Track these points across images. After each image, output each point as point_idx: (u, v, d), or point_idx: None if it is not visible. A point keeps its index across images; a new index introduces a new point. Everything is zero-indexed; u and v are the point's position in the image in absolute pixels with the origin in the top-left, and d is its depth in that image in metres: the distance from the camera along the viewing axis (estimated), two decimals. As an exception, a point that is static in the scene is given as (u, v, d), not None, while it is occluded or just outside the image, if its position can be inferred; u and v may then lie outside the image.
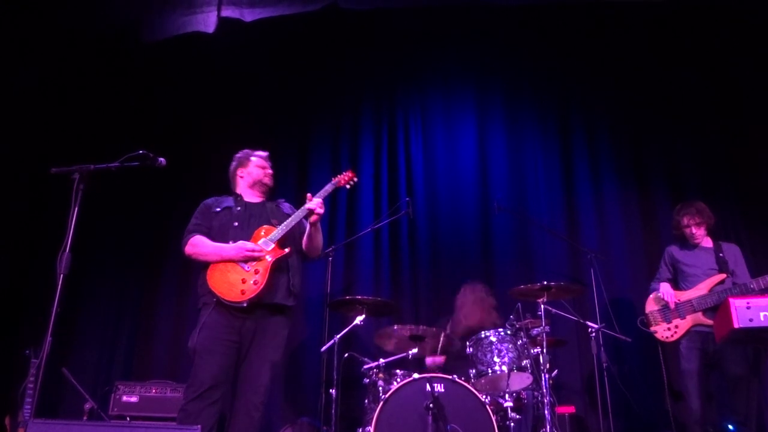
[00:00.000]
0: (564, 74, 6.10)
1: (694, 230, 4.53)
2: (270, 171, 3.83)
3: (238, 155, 3.86)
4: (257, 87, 6.30)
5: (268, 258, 3.40)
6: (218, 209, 3.62)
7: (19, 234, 5.61)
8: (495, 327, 4.41)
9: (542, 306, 4.20)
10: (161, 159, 3.26)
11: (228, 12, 5.24)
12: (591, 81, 6.05)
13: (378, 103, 6.32)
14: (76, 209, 2.96)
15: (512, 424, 3.89)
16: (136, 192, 5.81)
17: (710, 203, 4.70)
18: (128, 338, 5.67)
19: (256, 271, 3.37)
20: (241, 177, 3.79)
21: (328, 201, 5.83)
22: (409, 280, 5.63)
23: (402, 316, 5.37)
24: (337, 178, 3.79)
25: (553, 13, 5.78)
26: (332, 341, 4.39)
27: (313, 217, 3.54)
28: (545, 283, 4.18)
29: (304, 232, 3.64)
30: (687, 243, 4.63)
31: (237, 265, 3.38)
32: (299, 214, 3.55)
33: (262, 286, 3.34)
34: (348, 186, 3.83)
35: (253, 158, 3.81)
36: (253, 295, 3.32)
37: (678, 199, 5.16)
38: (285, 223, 3.51)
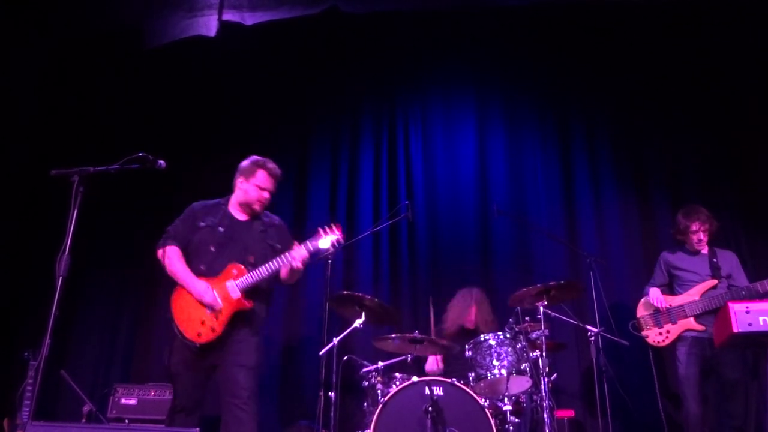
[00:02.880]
0: (564, 78, 6.11)
1: (702, 236, 4.52)
2: (266, 196, 3.62)
3: (252, 158, 3.68)
4: (257, 90, 6.30)
5: (230, 307, 3.31)
6: (202, 224, 3.51)
7: (18, 236, 5.61)
8: (489, 326, 4.41)
9: (541, 309, 4.19)
10: (161, 161, 3.25)
11: (229, 15, 5.25)
12: (591, 85, 6.06)
13: (378, 106, 6.33)
14: (76, 211, 2.96)
15: (511, 427, 3.89)
16: (135, 195, 5.81)
17: (710, 208, 4.69)
18: (127, 340, 5.67)
19: (216, 318, 3.30)
20: (238, 188, 3.63)
21: (326, 203, 5.90)
22: (408, 283, 5.63)
23: (401, 320, 5.37)
24: (322, 234, 3.49)
25: (553, 17, 5.79)
26: (331, 344, 4.38)
27: (295, 266, 3.39)
28: (545, 284, 4.17)
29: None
30: (683, 248, 4.63)
31: (201, 303, 3.32)
32: (276, 263, 3.37)
33: (217, 335, 3.29)
34: (332, 248, 3.57)
35: (259, 172, 3.59)
36: (206, 341, 3.29)
37: (677, 204, 5.16)
38: (259, 270, 3.35)
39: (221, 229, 3.51)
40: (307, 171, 6.10)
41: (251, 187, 3.58)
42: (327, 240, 3.49)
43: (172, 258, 3.45)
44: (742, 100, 5.64)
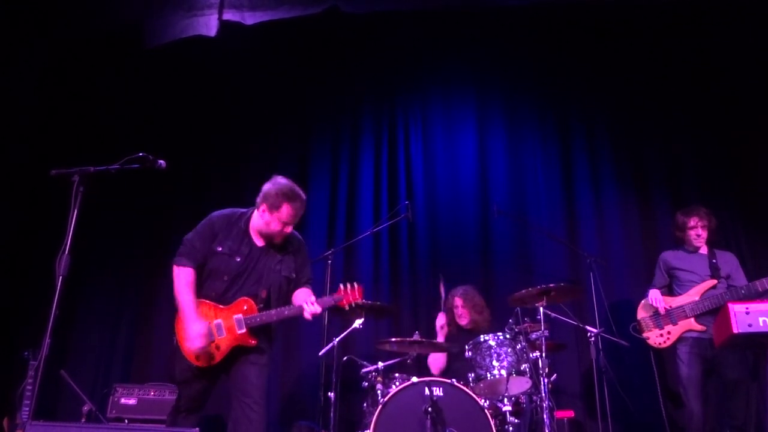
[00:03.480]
0: (564, 78, 6.11)
1: (700, 231, 4.53)
2: (289, 230, 3.40)
3: (279, 188, 3.37)
4: (257, 90, 6.30)
5: (232, 340, 3.27)
6: (219, 249, 3.36)
7: (18, 236, 5.61)
8: (488, 325, 4.41)
9: (541, 310, 4.19)
10: (161, 161, 3.23)
11: (229, 15, 5.25)
12: (591, 85, 6.06)
13: (378, 106, 6.33)
14: (76, 211, 2.95)
15: (511, 428, 3.89)
16: (135, 195, 5.81)
17: (710, 208, 4.69)
18: (127, 340, 5.67)
19: (217, 347, 3.27)
20: (261, 216, 3.38)
21: (327, 203, 5.90)
22: (408, 283, 5.63)
23: (401, 320, 5.38)
24: (342, 293, 3.37)
25: (553, 17, 5.79)
26: (331, 344, 4.39)
27: (306, 317, 3.30)
28: (544, 286, 4.17)
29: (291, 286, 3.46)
30: (682, 248, 4.63)
31: (209, 327, 3.25)
32: (288, 311, 3.31)
33: (215, 362, 3.27)
34: (347, 308, 3.39)
35: (284, 207, 3.32)
36: (205, 366, 3.28)
37: (678, 204, 5.17)
38: (268, 314, 3.28)
39: (238, 259, 3.37)
40: (307, 171, 6.09)
41: (274, 220, 3.35)
42: (344, 296, 3.38)
43: (182, 284, 3.33)
44: (742, 100, 5.64)
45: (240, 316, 3.28)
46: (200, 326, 3.23)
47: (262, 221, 3.38)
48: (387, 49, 6.27)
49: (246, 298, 3.32)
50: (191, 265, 3.36)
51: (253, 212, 3.45)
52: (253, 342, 3.28)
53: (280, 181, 3.43)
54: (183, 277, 3.34)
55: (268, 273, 3.40)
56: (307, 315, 3.28)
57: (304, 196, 3.42)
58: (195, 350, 3.23)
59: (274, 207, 3.33)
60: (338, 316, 4.77)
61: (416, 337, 4.14)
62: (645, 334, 4.52)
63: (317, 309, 3.28)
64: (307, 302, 3.28)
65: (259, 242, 3.44)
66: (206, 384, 3.39)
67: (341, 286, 3.39)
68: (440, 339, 4.75)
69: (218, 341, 3.27)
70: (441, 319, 4.84)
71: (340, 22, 5.54)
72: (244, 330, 3.27)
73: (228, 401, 3.39)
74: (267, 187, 3.41)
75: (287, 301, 3.44)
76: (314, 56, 6.28)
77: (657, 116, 5.87)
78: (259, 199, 3.41)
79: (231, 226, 3.44)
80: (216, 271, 3.36)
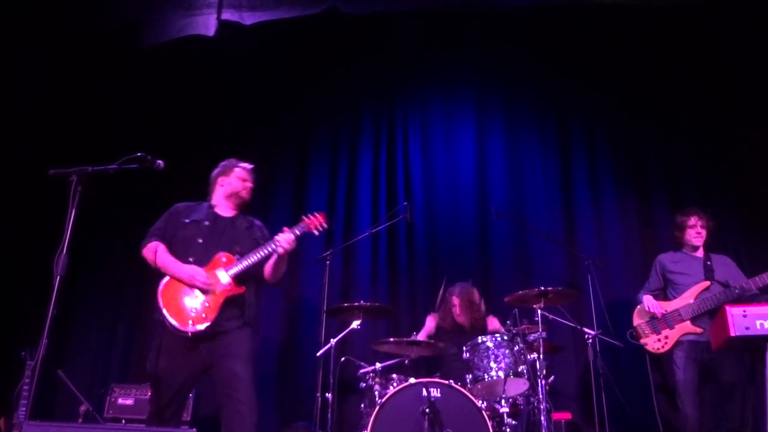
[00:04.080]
0: (563, 79, 6.11)
1: (699, 230, 4.55)
2: (250, 185, 3.70)
3: (223, 163, 3.78)
4: (256, 90, 6.30)
5: (221, 293, 3.33)
6: (187, 220, 3.54)
7: (17, 235, 5.60)
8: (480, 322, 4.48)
9: (539, 312, 4.20)
10: (159, 161, 3.24)
11: (228, 15, 5.25)
12: (590, 86, 6.06)
13: (377, 107, 6.32)
14: (74, 211, 2.95)
15: (508, 429, 3.89)
16: (133, 194, 5.80)
17: (709, 209, 4.71)
18: (124, 340, 5.66)
19: (207, 304, 3.31)
20: (221, 186, 3.69)
21: (325, 204, 5.90)
22: (406, 285, 5.63)
23: (399, 320, 5.37)
24: (307, 221, 3.60)
25: (552, 18, 5.79)
26: (329, 345, 4.39)
27: (280, 251, 3.43)
28: (542, 288, 4.18)
29: (267, 259, 3.53)
30: (680, 251, 4.64)
31: (193, 290, 3.32)
32: (265, 250, 3.44)
33: (210, 321, 3.27)
34: (316, 232, 3.62)
35: (236, 169, 3.70)
36: (199, 329, 3.25)
37: (676, 206, 5.18)
38: (247, 257, 3.41)
39: (207, 223, 3.54)
40: (306, 171, 6.09)
41: (233, 179, 3.67)
42: (309, 223, 3.59)
43: (158, 252, 3.45)
44: (742, 101, 5.64)
45: (221, 269, 3.38)
46: (193, 267, 3.35)
47: (225, 187, 3.66)
48: (386, 49, 6.27)
49: (223, 252, 3.44)
50: (158, 240, 3.50)
51: (213, 196, 3.69)
52: (239, 290, 3.36)
53: (224, 161, 3.79)
54: (153, 249, 3.47)
55: (239, 235, 3.55)
56: (283, 246, 3.40)
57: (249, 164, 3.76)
58: (200, 283, 3.29)
59: (226, 172, 3.69)
60: (336, 316, 4.77)
61: (414, 337, 4.14)
62: (642, 341, 4.51)
63: (290, 236, 3.44)
64: (277, 236, 3.44)
65: (226, 213, 3.63)
66: (188, 381, 3.34)
67: (303, 217, 3.61)
68: (420, 337, 4.75)
69: (207, 298, 3.31)
70: (430, 321, 4.85)
71: (339, 22, 5.54)
72: (228, 280, 3.36)
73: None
74: (213, 171, 3.77)
75: (257, 271, 3.52)
76: (313, 57, 6.28)
77: (656, 117, 5.87)
78: (212, 178, 3.73)
79: (194, 207, 3.66)
80: (188, 238, 3.49)
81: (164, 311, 3.29)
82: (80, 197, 2.98)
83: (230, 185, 3.66)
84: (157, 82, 6.14)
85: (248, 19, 5.27)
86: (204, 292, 3.32)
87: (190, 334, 3.25)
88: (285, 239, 3.43)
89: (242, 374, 3.26)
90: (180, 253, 3.45)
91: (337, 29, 5.88)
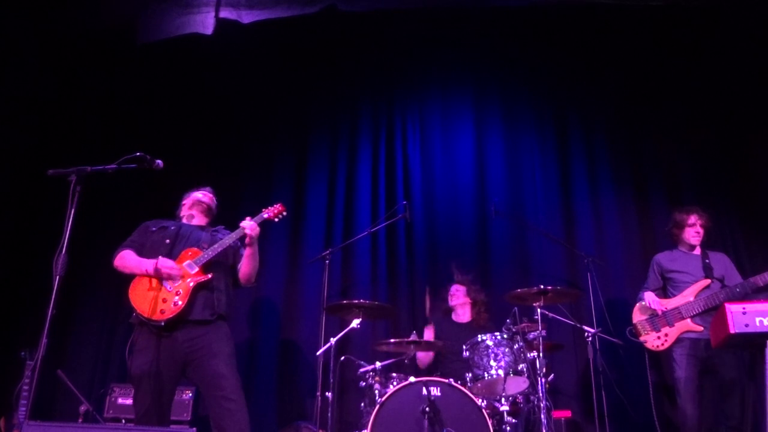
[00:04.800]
0: (562, 78, 6.12)
1: (699, 229, 4.55)
2: (210, 195, 3.89)
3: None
4: (254, 91, 6.29)
5: (190, 281, 3.38)
6: (154, 228, 3.67)
7: (16, 235, 5.60)
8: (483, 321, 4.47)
9: (539, 310, 4.20)
10: (158, 161, 3.26)
11: (226, 13, 5.24)
12: (589, 86, 6.07)
13: (376, 106, 6.32)
14: (73, 211, 2.95)
15: (508, 428, 3.89)
16: (132, 194, 5.79)
17: (707, 208, 4.71)
18: (124, 340, 5.58)
19: (177, 293, 3.35)
20: (184, 204, 3.88)
21: (324, 204, 5.89)
22: (405, 284, 5.62)
23: (398, 320, 5.37)
24: (266, 211, 3.78)
25: (550, 17, 5.79)
26: (328, 344, 4.39)
27: (247, 239, 3.52)
28: (542, 287, 4.18)
29: (238, 257, 3.63)
30: (677, 249, 4.64)
31: (160, 284, 3.38)
32: (229, 238, 3.53)
33: (181, 308, 3.31)
34: (276, 219, 3.80)
35: (192, 193, 3.90)
36: (171, 316, 3.29)
37: (675, 204, 5.19)
38: (212, 247, 3.49)
39: (172, 227, 3.67)
40: (304, 171, 6.09)
41: (192, 193, 3.89)
42: (269, 211, 3.77)
43: (125, 257, 3.53)
44: (741, 100, 5.65)
45: (188, 261, 3.45)
46: (159, 258, 3.41)
47: (186, 206, 3.87)
48: (385, 48, 6.27)
49: (189, 247, 3.53)
50: (128, 248, 3.59)
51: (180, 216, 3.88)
52: (207, 276, 3.42)
53: None
54: (126, 254, 3.55)
55: (206, 236, 3.65)
56: (247, 231, 3.51)
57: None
58: (167, 270, 3.35)
59: (187, 196, 3.90)
60: (336, 315, 4.77)
61: (414, 337, 4.15)
62: (642, 338, 4.51)
63: (253, 223, 3.55)
64: (241, 222, 3.55)
65: (193, 222, 3.79)
66: (167, 380, 3.31)
67: (263, 209, 3.79)
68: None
69: (178, 287, 3.36)
70: (428, 334, 4.85)
71: (337, 21, 5.53)
72: (196, 269, 3.42)
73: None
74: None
75: (228, 267, 3.62)
76: (312, 55, 6.27)
77: (655, 116, 5.88)
78: (179, 205, 3.93)
79: (163, 221, 3.78)
80: (157, 241, 3.59)
81: (136, 308, 3.36)
82: (79, 197, 2.98)
83: (190, 198, 3.87)
84: (155, 81, 6.13)
85: (246, 17, 5.27)
86: (172, 280, 3.37)
87: (162, 323, 3.29)
88: (248, 224, 3.54)
89: (227, 373, 3.27)
90: (149, 255, 3.51)
91: (335, 28, 5.87)
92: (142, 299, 3.36)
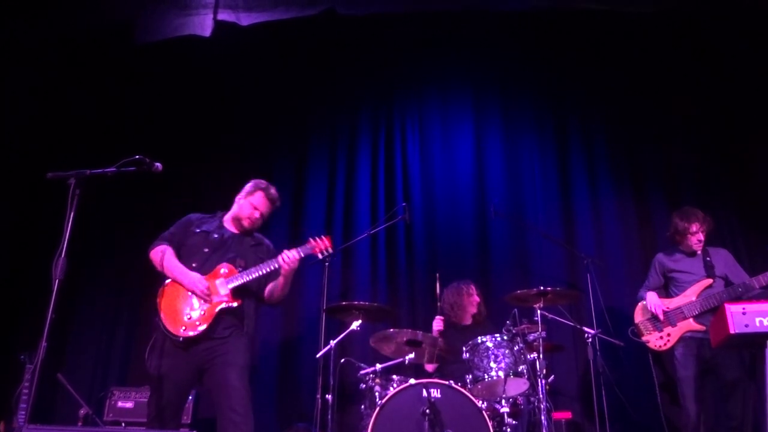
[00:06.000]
0: (561, 80, 6.12)
1: (701, 236, 4.53)
2: (256, 216, 3.67)
3: (255, 181, 3.76)
4: (253, 92, 6.29)
5: (217, 305, 3.35)
6: (197, 230, 3.60)
7: (15, 238, 5.59)
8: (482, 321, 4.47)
9: (539, 311, 4.20)
10: (157, 164, 3.25)
11: (224, 15, 5.23)
12: (588, 87, 6.07)
13: (375, 108, 6.32)
14: (72, 214, 2.95)
15: (508, 429, 3.88)
16: (131, 197, 5.79)
17: (707, 208, 4.70)
18: (123, 343, 5.65)
19: (204, 312, 3.34)
20: (236, 203, 3.73)
21: (324, 205, 5.89)
22: (405, 285, 5.62)
23: (399, 322, 5.37)
24: (313, 243, 3.56)
25: (549, 19, 5.79)
26: (328, 346, 4.38)
27: (285, 267, 3.45)
28: (542, 288, 4.18)
29: (270, 278, 3.55)
30: (677, 250, 4.64)
31: (190, 298, 3.36)
32: (267, 266, 3.46)
33: (203, 329, 3.31)
34: (320, 256, 3.62)
35: (257, 194, 3.69)
36: (191, 335, 3.29)
37: (674, 205, 5.17)
38: (249, 272, 3.43)
39: (215, 236, 3.59)
40: (304, 173, 6.09)
41: (247, 203, 3.67)
42: (315, 245, 3.55)
43: (166, 254, 3.49)
44: (740, 101, 5.65)
45: (221, 279, 3.40)
46: (197, 275, 3.38)
47: (237, 206, 3.69)
48: (384, 50, 6.27)
49: (225, 263, 3.47)
50: (167, 244, 3.54)
51: (228, 211, 3.73)
52: (235, 302, 3.38)
53: (260, 180, 3.78)
54: (160, 252, 3.50)
55: (245, 250, 3.60)
56: (287, 264, 3.43)
57: (277, 195, 3.75)
58: (200, 292, 3.32)
59: (249, 193, 3.69)
60: (336, 317, 4.76)
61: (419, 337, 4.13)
62: (644, 338, 4.51)
63: (293, 254, 3.44)
64: (282, 254, 3.45)
65: (234, 230, 3.66)
66: (185, 383, 3.36)
67: (310, 239, 3.58)
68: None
69: (203, 308, 3.34)
70: (438, 324, 4.84)
71: (337, 23, 5.53)
72: (227, 291, 3.38)
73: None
74: (246, 184, 3.77)
75: (258, 288, 3.58)
76: (311, 58, 6.27)
77: (654, 117, 5.88)
78: (238, 194, 3.74)
79: (207, 218, 3.72)
80: (196, 245, 3.54)
81: (161, 314, 3.35)
82: (79, 200, 2.98)
83: (240, 208, 3.69)
84: (154, 83, 6.13)
85: (245, 19, 5.25)
86: (201, 300, 3.35)
87: (181, 339, 3.29)
88: (289, 256, 3.44)
89: (237, 384, 3.28)
90: (184, 258, 3.49)
91: (334, 30, 5.86)
92: (168, 307, 3.36)
